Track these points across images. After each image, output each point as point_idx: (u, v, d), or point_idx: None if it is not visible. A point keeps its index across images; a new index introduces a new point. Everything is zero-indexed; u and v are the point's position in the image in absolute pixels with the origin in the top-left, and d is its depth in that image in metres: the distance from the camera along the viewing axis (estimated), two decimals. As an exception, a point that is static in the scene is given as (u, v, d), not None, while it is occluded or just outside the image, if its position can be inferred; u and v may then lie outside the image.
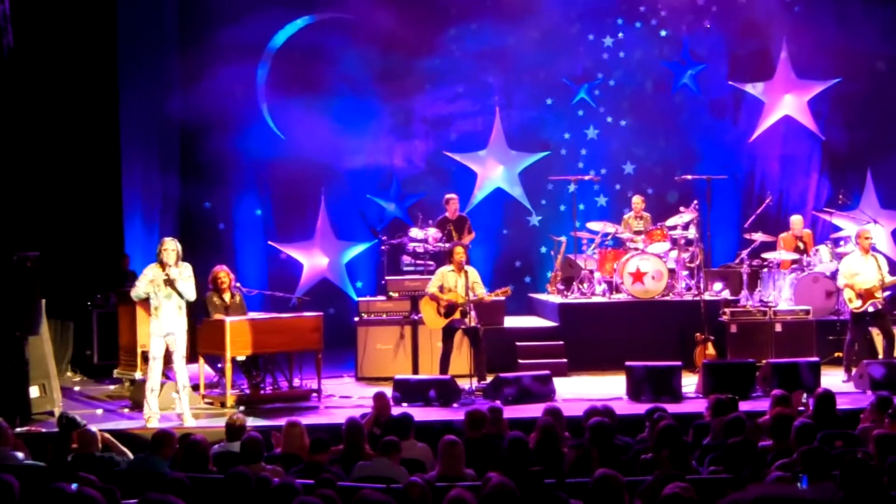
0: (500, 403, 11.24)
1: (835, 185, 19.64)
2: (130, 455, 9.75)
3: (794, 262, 17.16)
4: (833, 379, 14.40)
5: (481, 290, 14.35)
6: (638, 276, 16.45)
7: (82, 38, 16.89)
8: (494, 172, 20.05)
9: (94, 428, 9.82)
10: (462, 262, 14.36)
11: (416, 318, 15.73)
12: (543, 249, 19.91)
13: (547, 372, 14.15)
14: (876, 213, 18.71)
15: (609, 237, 17.44)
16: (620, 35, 20.16)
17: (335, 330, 16.81)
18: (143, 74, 18.06)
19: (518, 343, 16.03)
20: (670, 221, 17.27)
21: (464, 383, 13.97)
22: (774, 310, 16.08)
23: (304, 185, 19.42)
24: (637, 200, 18.13)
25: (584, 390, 14.30)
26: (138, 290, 12.68)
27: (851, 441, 9.11)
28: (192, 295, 12.66)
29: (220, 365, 13.91)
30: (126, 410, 13.50)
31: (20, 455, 9.28)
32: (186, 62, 18.60)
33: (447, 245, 16.58)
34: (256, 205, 19.53)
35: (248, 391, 13.82)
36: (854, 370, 14.48)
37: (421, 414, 11.94)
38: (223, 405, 13.35)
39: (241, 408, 13.13)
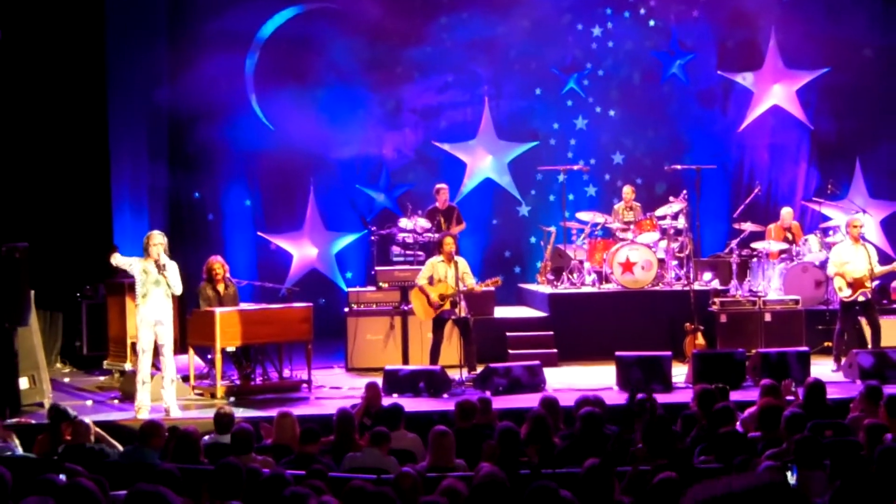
0: (489, 394, 11.25)
1: (824, 175, 19.66)
2: (120, 448, 9.74)
3: (783, 251, 17.19)
4: (822, 368, 14.43)
5: (471, 281, 14.37)
6: (627, 266, 16.47)
7: (70, 28, 16.83)
8: (484, 162, 20.04)
9: (86, 419, 9.82)
10: (452, 253, 14.38)
11: (405, 308, 15.74)
12: (533, 239, 19.91)
13: (537, 362, 14.17)
14: (865, 203, 18.76)
15: (599, 227, 17.46)
16: (609, 25, 20.14)
17: (325, 320, 16.82)
18: (131, 65, 17.98)
19: (508, 333, 16.03)
20: (660, 211, 17.29)
21: (454, 374, 13.99)
22: (764, 299, 16.11)
23: (293, 176, 19.39)
24: (627, 191, 18.13)
25: (574, 380, 14.32)
26: (124, 263, 12.71)
27: (841, 430, 9.14)
28: (180, 288, 12.68)
29: (210, 356, 13.91)
30: (116, 402, 13.49)
31: (17, 447, 9.30)
32: (175, 52, 18.54)
33: (436, 235, 16.59)
34: (245, 195, 19.49)
35: (238, 382, 13.82)
36: (843, 360, 14.52)
37: (411, 404, 11.94)
38: (213, 396, 13.34)
39: (232, 399, 13.15)
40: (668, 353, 14.14)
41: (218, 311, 13.46)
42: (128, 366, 14.32)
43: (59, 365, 16.31)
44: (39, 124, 16.44)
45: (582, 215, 17.81)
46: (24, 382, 13.01)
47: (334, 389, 14.12)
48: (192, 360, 13.85)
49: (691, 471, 7.48)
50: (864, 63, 19.64)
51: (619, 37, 20.16)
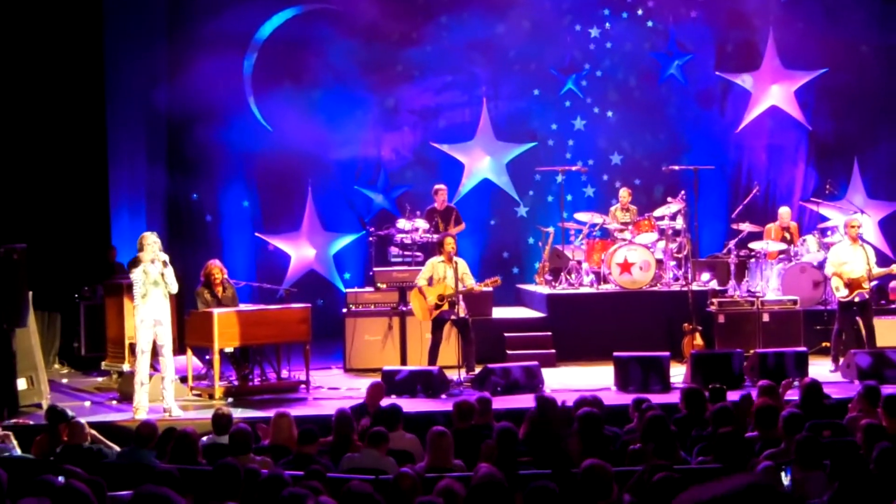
0: (488, 394, 11.24)
1: (822, 175, 19.67)
2: (116, 449, 9.73)
3: (781, 252, 17.19)
4: (820, 369, 14.44)
5: (470, 281, 14.37)
6: (626, 267, 16.47)
7: (69, 29, 16.85)
8: (482, 163, 20.04)
9: (83, 420, 9.82)
10: (452, 253, 14.38)
11: (404, 309, 15.73)
12: (531, 240, 19.90)
13: (535, 363, 14.17)
14: (863, 203, 18.76)
15: (597, 228, 17.46)
16: (607, 26, 20.14)
17: (323, 321, 16.83)
18: (129, 66, 18.00)
19: (506, 334, 16.03)
20: (658, 212, 17.29)
21: (452, 374, 13.98)
22: (762, 300, 16.10)
23: (291, 177, 19.39)
24: (624, 193, 18.12)
25: (573, 381, 14.32)
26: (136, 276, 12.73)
27: (839, 431, 9.14)
28: (176, 287, 12.69)
29: (208, 357, 13.91)
30: (114, 403, 13.49)
31: (15, 448, 9.29)
32: (173, 54, 18.55)
33: (435, 236, 16.60)
34: (244, 196, 19.49)
35: (236, 383, 13.82)
36: (841, 360, 14.52)
37: (409, 405, 11.93)
38: (211, 397, 13.34)
39: (230, 399, 13.15)
40: (667, 353, 14.13)
41: (216, 311, 13.46)
42: (126, 367, 14.30)
43: (57, 366, 16.30)
44: (37, 126, 16.44)
45: (580, 216, 17.81)
46: (22, 383, 13.00)
47: (332, 390, 14.11)
48: (191, 360, 13.84)
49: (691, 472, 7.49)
50: (862, 63, 19.64)
51: (618, 38, 20.16)
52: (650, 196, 19.10)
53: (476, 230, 19.37)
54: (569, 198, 18.92)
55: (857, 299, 14.72)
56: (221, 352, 13.55)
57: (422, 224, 16.98)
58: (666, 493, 6.11)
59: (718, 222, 19.42)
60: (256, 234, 19.36)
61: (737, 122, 20.32)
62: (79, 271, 16.79)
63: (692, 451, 8.73)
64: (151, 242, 12.63)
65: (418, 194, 18.85)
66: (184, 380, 13.62)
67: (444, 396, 13.35)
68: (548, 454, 7.96)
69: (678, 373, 14.14)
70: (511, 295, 18.48)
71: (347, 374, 15.42)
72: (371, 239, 17.39)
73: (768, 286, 16.81)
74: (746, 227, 17.26)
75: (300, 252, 19.51)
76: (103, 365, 15.19)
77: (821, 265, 16.30)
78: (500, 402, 12.15)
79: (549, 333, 16.09)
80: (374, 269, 16.70)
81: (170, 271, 12.59)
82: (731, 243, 17.23)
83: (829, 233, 17.37)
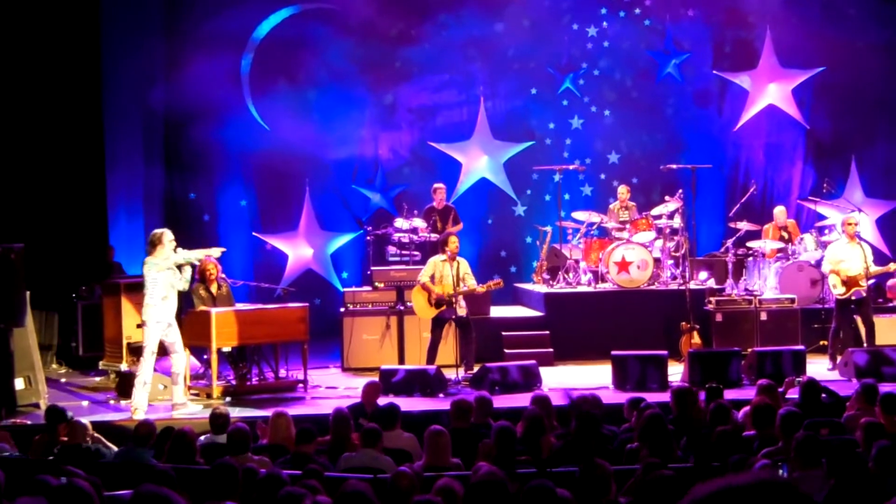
0: (486, 393, 11.24)
1: (819, 174, 19.68)
2: (115, 449, 9.73)
3: (779, 250, 17.19)
4: (818, 367, 14.44)
5: (472, 282, 14.37)
6: (623, 266, 16.47)
7: (66, 28, 16.83)
8: (479, 162, 20.04)
9: (83, 420, 9.81)
10: (455, 252, 14.38)
11: (401, 308, 15.73)
12: (529, 239, 19.90)
13: (533, 362, 14.17)
14: (860, 202, 18.77)
15: (594, 227, 17.45)
16: (605, 24, 20.15)
17: (321, 320, 16.81)
18: (126, 66, 18.01)
19: (504, 333, 16.03)
20: (655, 211, 17.29)
21: (449, 373, 13.98)
22: (760, 298, 16.10)
23: (288, 176, 19.40)
24: (622, 191, 18.11)
25: (570, 380, 14.31)
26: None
27: (837, 429, 9.14)
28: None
29: (205, 356, 13.90)
30: (112, 402, 13.47)
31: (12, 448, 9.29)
32: (170, 53, 18.57)
33: (433, 235, 16.61)
34: (241, 195, 19.49)
35: (234, 382, 13.81)
36: (839, 358, 14.52)
37: (407, 404, 11.92)
38: (209, 396, 13.33)
39: (228, 399, 13.15)
40: (664, 352, 14.12)
41: (214, 311, 13.45)
42: (124, 366, 14.30)
43: (54, 366, 16.28)
44: (35, 125, 16.44)
45: (577, 215, 17.80)
46: (19, 383, 12.99)
47: (330, 389, 14.10)
48: (188, 360, 13.82)
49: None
50: (859, 62, 19.62)
51: (615, 36, 20.17)
52: (648, 195, 19.09)
53: (474, 229, 19.37)
54: (566, 197, 18.93)
55: (854, 297, 14.71)
56: (219, 351, 13.54)
57: (419, 223, 16.98)
58: (660, 491, 6.10)
59: (716, 221, 19.43)
60: (254, 233, 19.37)
61: (734, 121, 20.33)
62: (76, 271, 16.78)
63: (686, 451, 8.73)
64: (172, 240, 12.64)
65: (416, 193, 18.85)
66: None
67: (441, 395, 13.34)
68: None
69: (676, 371, 14.15)
70: (509, 294, 18.47)
71: (345, 374, 15.41)
72: (369, 238, 17.39)
73: (766, 285, 16.82)
74: (744, 225, 17.26)
75: (298, 251, 19.51)
76: (101, 364, 15.17)
77: (818, 263, 16.30)
78: (498, 401, 12.14)
79: (547, 332, 16.10)
80: (372, 268, 16.68)
81: (188, 270, 12.65)
82: (729, 242, 17.23)
83: (826, 231, 17.37)
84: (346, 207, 19.80)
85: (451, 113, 20.12)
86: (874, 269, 14.91)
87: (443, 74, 19.86)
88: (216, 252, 13.10)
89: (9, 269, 12.75)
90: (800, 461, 7.23)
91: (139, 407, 12.37)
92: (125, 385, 13.51)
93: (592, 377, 14.35)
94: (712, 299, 16.12)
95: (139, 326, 13.00)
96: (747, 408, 10.15)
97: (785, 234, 17.48)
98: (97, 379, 15.18)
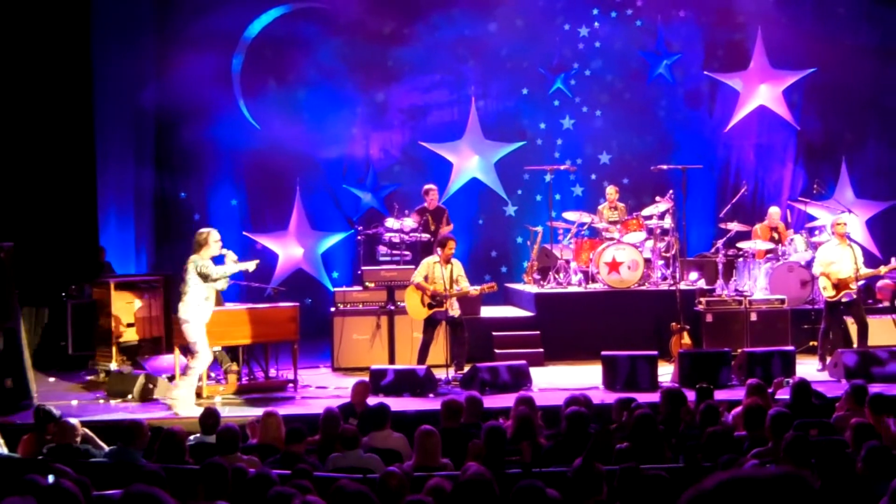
0: (477, 393, 11.24)
1: (810, 175, 19.72)
2: (105, 448, 9.71)
3: (769, 251, 17.21)
4: (808, 368, 14.46)
5: (465, 284, 14.35)
6: (614, 266, 16.47)
7: (56, 27, 16.78)
8: (470, 162, 20.04)
9: (73, 420, 9.78)
10: (450, 255, 14.37)
11: (392, 308, 15.72)
12: (519, 239, 19.91)
13: (523, 362, 14.16)
14: (850, 203, 18.79)
15: (585, 227, 17.46)
16: (596, 25, 20.17)
17: (311, 320, 16.81)
18: (117, 65, 17.97)
19: (494, 333, 16.02)
20: (646, 211, 17.30)
21: (440, 373, 13.98)
22: (750, 299, 16.11)
23: (279, 176, 19.38)
24: (611, 191, 18.12)
25: (561, 380, 14.32)
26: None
27: (827, 429, 9.16)
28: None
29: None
30: (101, 401, 13.44)
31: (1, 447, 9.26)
32: (161, 53, 18.54)
33: (424, 236, 16.62)
34: (232, 195, 19.47)
35: (224, 382, 13.78)
36: (829, 359, 14.54)
37: (397, 404, 11.91)
38: (199, 396, 13.30)
39: (217, 399, 13.12)
40: (655, 352, 14.13)
41: (204, 310, 13.43)
42: (113, 365, 14.30)
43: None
44: (25, 125, 16.39)
45: (568, 215, 17.80)
46: (8, 382, 12.96)
47: (320, 389, 14.09)
48: (178, 359, 13.81)
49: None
50: (850, 63, 19.65)
51: (606, 37, 20.19)
52: (639, 196, 19.10)
53: (464, 229, 19.37)
54: (557, 197, 18.93)
55: (844, 299, 14.73)
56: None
57: (410, 223, 16.97)
58: (655, 493, 6.11)
59: (706, 222, 19.46)
60: (244, 233, 19.34)
61: (725, 122, 20.36)
62: (66, 270, 16.74)
63: (676, 451, 8.74)
64: (216, 241, 12.70)
65: (407, 193, 18.86)
66: (171, 379, 13.60)
67: (432, 395, 13.34)
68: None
69: (666, 372, 14.16)
70: (499, 294, 18.39)
71: (335, 373, 15.40)
72: (359, 238, 17.37)
73: (756, 285, 16.84)
74: (734, 226, 17.28)
75: (288, 251, 19.49)
76: (91, 364, 15.15)
77: (808, 264, 16.33)
78: (489, 402, 12.13)
79: (538, 332, 16.09)
80: (363, 268, 16.67)
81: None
82: (719, 243, 17.25)
83: (816, 232, 17.40)
84: (337, 207, 19.79)
85: (443, 113, 20.13)
86: (864, 271, 14.93)
87: (434, 74, 19.87)
88: (251, 266, 13.07)
89: (-1, 267, 12.74)
90: (789, 462, 7.24)
91: (184, 403, 12.39)
92: (115, 384, 13.50)
93: (582, 377, 14.35)
94: (702, 300, 16.13)
95: (183, 325, 12.82)
96: (737, 409, 10.19)
97: (775, 235, 17.50)
98: (87, 378, 15.15)
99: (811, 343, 15.53)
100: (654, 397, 12.10)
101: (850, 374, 13.41)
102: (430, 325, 14.43)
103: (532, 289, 17.17)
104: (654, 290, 16.68)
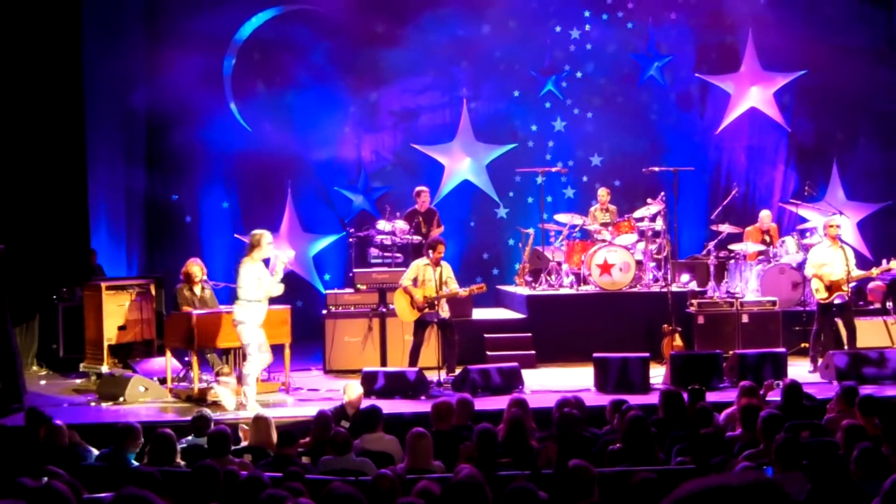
0: (468, 395, 11.23)
1: (801, 177, 19.77)
2: (95, 451, 9.69)
3: (760, 253, 17.24)
4: (799, 369, 14.47)
5: (454, 285, 14.34)
6: (605, 268, 16.47)
7: (46, 29, 16.74)
8: (462, 164, 20.04)
9: (60, 422, 9.76)
10: (440, 257, 14.36)
11: (384, 310, 15.71)
12: (511, 241, 19.92)
13: (515, 364, 14.15)
14: (841, 205, 18.81)
15: (577, 229, 17.47)
16: (587, 27, 20.19)
17: (303, 323, 16.75)
18: (108, 67, 17.93)
19: (486, 335, 16.02)
20: (638, 213, 17.31)
21: (431, 375, 13.97)
22: (741, 301, 16.13)
23: (271, 178, 19.36)
24: (602, 193, 18.14)
25: (553, 382, 14.31)
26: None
27: (818, 431, 9.16)
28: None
29: (187, 358, 13.86)
30: (93, 404, 13.41)
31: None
32: (152, 55, 18.51)
33: (415, 237, 16.60)
34: (223, 197, 19.45)
35: (215, 383, 13.76)
36: (820, 361, 14.55)
37: (389, 406, 11.90)
38: (190, 398, 13.29)
39: (209, 401, 13.10)
40: (646, 354, 14.12)
41: (195, 313, 13.42)
42: (104, 368, 14.27)
43: (35, 367, 16.20)
44: (15, 126, 16.33)
45: (560, 217, 17.81)
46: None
47: (312, 392, 14.07)
48: (169, 362, 13.80)
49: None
50: (841, 65, 19.66)
51: (598, 39, 20.21)
52: (630, 198, 19.10)
53: (456, 231, 19.37)
54: (549, 199, 18.93)
55: (836, 301, 14.75)
56: (200, 353, 13.50)
57: (401, 225, 16.96)
58: (645, 495, 6.11)
59: (698, 224, 19.47)
60: (236, 235, 19.29)
61: (716, 124, 20.39)
62: (57, 273, 16.69)
63: (671, 453, 8.75)
64: (269, 243, 12.75)
65: (398, 195, 18.85)
66: (162, 381, 13.57)
67: (423, 398, 13.32)
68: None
69: (658, 374, 14.16)
70: (491, 296, 18.41)
71: (327, 376, 15.38)
72: (351, 240, 17.36)
73: (747, 287, 16.86)
74: (726, 228, 17.30)
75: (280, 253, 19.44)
76: (82, 367, 15.12)
77: (800, 266, 16.35)
78: (480, 404, 12.13)
79: (529, 334, 16.09)
80: (354, 270, 16.66)
81: (279, 273, 12.84)
82: (711, 244, 17.27)
83: (808, 234, 17.42)
84: (328, 209, 19.77)
85: (434, 115, 20.14)
86: (856, 272, 14.94)
87: (425, 76, 19.88)
88: (289, 255, 13.12)
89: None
90: (780, 463, 7.25)
91: (247, 403, 12.43)
92: (106, 386, 13.48)
93: (574, 379, 14.34)
94: (694, 302, 16.15)
95: (238, 326, 12.77)
96: (728, 410, 10.20)
97: (767, 237, 17.53)
98: (78, 381, 15.12)
99: (802, 345, 15.54)
100: (646, 399, 12.15)
101: (841, 376, 13.42)
102: (421, 327, 14.43)
103: (524, 291, 17.17)
104: (645, 292, 16.68)
